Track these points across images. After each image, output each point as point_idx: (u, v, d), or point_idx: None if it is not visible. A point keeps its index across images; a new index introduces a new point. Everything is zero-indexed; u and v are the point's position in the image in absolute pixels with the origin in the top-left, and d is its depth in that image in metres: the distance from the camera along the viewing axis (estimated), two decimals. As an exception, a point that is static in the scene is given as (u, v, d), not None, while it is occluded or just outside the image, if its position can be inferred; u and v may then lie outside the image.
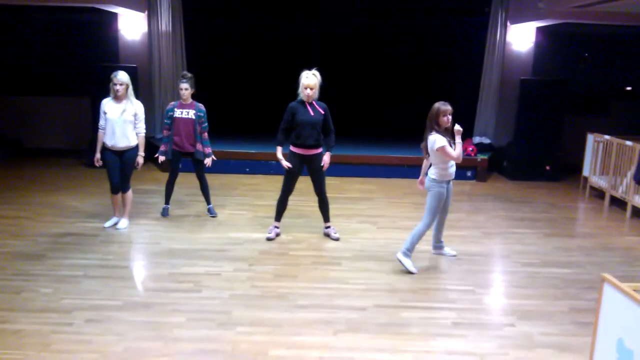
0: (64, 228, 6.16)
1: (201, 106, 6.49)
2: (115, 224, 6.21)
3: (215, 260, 5.33)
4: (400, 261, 5.24)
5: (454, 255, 5.67)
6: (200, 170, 6.61)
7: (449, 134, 5.12)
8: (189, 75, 6.44)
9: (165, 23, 9.85)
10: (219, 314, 4.25)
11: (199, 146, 6.46)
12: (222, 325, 4.07)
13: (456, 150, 5.05)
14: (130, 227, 6.23)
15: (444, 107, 5.10)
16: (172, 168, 6.64)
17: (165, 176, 8.74)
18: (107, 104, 5.86)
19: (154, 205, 7.15)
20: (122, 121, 5.82)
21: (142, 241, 5.89)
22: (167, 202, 6.75)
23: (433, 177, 5.18)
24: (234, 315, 4.24)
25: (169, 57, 9.96)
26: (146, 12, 9.86)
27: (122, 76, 5.77)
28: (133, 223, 6.34)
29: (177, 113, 6.43)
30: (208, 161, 6.53)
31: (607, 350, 3.03)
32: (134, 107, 5.89)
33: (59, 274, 4.92)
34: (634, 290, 2.89)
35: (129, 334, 3.92)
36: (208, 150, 6.51)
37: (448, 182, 5.27)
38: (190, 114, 6.41)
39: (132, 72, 9.20)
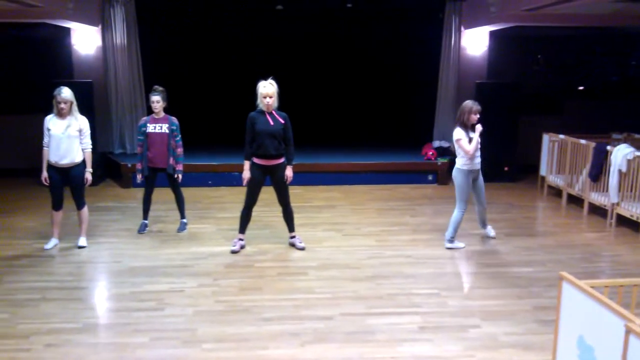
0: (20, 250, 5.96)
1: (174, 119, 6.40)
2: (55, 245, 6.03)
3: (178, 277, 5.24)
4: (450, 249, 6.01)
5: (494, 236, 6.38)
6: (174, 185, 6.52)
7: (472, 130, 5.83)
8: (160, 88, 6.34)
9: (120, 36, 9.69)
10: (183, 331, 4.17)
11: (171, 160, 6.36)
12: (186, 344, 3.99)
13: (471, 144, 5.77)
14: (89, 245, 6.07)
15: (475, 106, 5.80)
16: (148, 184, 6.52)
17: (126, 192, 8.67)
18: (50, 121, 5.71)
19: (114, 222, 6.99)
20: (67, 137, 5.67)
21: (102, 260, 5.74)
22: (145, 218, 6.64)
23: (457, 166, 5.94)
24: (198, 332, 4.17)
25: (125, 71, 9.79)
26: (100, 26, 9.68)
27: (66, 94, 5.64)
28: (92, 242, 6.17)
29: (150, 128, 6.32)
30: (178, 177, 6.44)
31: (568, 347, 3.09)
32: (79, 123, 5.75)
33: (15, 298, 4.75)
34: (592, 287, 2.96)
35: (89, 357, 3.81)
36: (179, 167, 6.42)
37: (473, 172, 5.90)
38: (164, 128, 6.32)
39: (87, 88, 9.10)
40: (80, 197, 5.96)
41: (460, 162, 5.94)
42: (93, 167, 6.00)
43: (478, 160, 5.95)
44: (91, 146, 5.92)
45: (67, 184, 5.87)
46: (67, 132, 5.66)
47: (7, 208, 7.67)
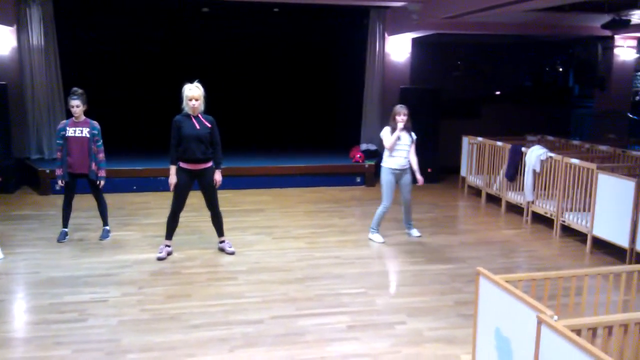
0: None
1: (95, 123, 6.17)
2: None
3: (101, 286, 5.06)
4: (371, 239, 6.47)
5: (419, 236, 6.67)
6: (96, 191, 6.30)
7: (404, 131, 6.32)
8: (80, 91, 6.09)
9: (36, 37, 9.24)
10: (107, 342, 4.04)
11: (93, 166, 6.13)
12: (110, 355, 3.87)
13: (389, 140, 6.28)
14: (5, 256, 5.75)
15: (399, 109, 6.30)
16: (68, 190, 6.25)
17: (44, 200, 8.27)
18: None
19: (32, 231, 6.67)
20: None
21: (19, 271, 5.46)
22: (64, 226, 6.35)
23: (382, 164, 6.47)
24: (123, 342, 4.05)
25: (42, 72, 9.35)
26: (15, 26, 9.20)
27: None
28: (8, 252, 5.85)
29: (70, 132, 6.06)
30: (100, 183, 6.23)
31: (487, 340, 3.25)
32: None
33: None
34: (506, 281, 3.13)
35: (6, 373, 3.62)
36: (102, 173, 6.20)
37: (395, 171, 6.33)
38: (85, 132, 6.08)
39: (1, 90, 8.64)
40: None
41: (383, 160, 6.46)
42: (8, 173, 5.70)
43: (401, 161, 6.35)
44: None
45: None
46: None
47: None
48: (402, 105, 6.42)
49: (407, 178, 6.48)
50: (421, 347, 4.05)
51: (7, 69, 9.27)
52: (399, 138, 6.28)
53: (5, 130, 8.63)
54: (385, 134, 6.37)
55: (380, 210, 6.47)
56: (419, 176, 6.46)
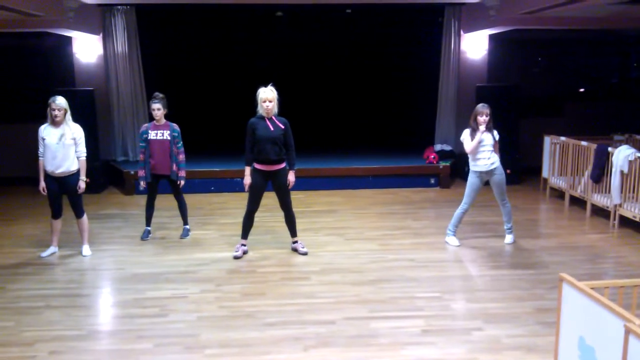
0: (23, 258, 5.99)
1: (175, 126, 6.43)
2: (53, 253, 6.05)
3: (181, 283, 5.25)
4: (447, 242, 6.30)
5: (510, 243, 6.35)
6: (176, 191, 6.55)
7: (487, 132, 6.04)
8: (161, 95, 6.37)
9: (121, 44, 9.74)
10: (187, 337, 4.18)
11: (174, 167, 6.38)
12: (189, 349, 4.01)
13: (470, 144, 6.00)
14: (92, 253, 6.09)
15: (481, 108, 5.99)
16: (150, 191, 6.55)
17: (129, 199, 8.70)
18: (44, 130, 5.74)
19: (117, 229, 7.02)
20: (62, 146, 5.68)
21: (105, 267, 5.76)
22: (147, 225, 6.66)
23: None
24: (201, 338, 4.18)
25: (127, 78, 9.84)
26: (101, 35, 9.74)
27: (60, 101, 5.67)
28: (95, 249, 6.20)
29: (152, 135, 6.35)
30: (180, 183, 6.47)
31: (570, 349, 3.09)
32: (72, 131, 5.75)
33: (20, 305, 4.77)
34: (592, 288, 2.96)
35: (93, 364, 3.82)
36: (182, 173, 6.45)
37: (480, 173, 6.07)
38: (165, 134, 6.35)
39: (89, 96, 9.16)
40: (78, 206, 5.96)
41: (469, 162, 6.20)
42: (96, 174, 6.03)
43: (485, 162, 6.04)
44: (85, 154, 5.89)
45: (64, 192, 5.89)
46: (61, 141, 5.67)
47: (10, 216, 7.72)
48: (484, 105, 6.06)
49: (496, 178, 6.13)
50: (499, 355, 3.91)
51: (95, 76, 9.84)
52: (481, 140, 5.98)
53: (93, 133, 9.12)
54: (466, 137, 6.06)
55: (458, 211, 6.28)
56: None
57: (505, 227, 6.40)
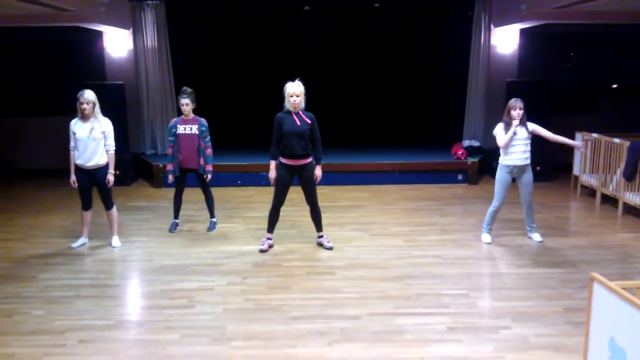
0: (55, 248, 6.12)
1: (203, 120, 6.49)
2: (83, 244, 6.17)
3: (208, 275, 5.31)
4: (481, 239, 6.26)
5: (541, 241, 6.23)
6: (204, 185, 6.62)
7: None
8: (189, 90, 6.43)
9: (150, 39, 9.86)
10: (213, 329, 4.23)
11: (201, 161, 6.45)
12: (216, 341, 4.05)
13: (503, 138, 5.93)
14: (121, 244, 6.20)
15: (514, 103, 5.94)
16: (178, 184, 6.63)
17: (157, 192, 8.82)
18: (75, 125, 5.84)
19: (146, 221, 7.12)
20: (92, 139, 5.78)
21: (134, 258, 5.86)
22: (175, 217, 6.76)
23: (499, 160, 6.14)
24: (228, 329, 4.22)
25: (156, 72, 9.96)
26: (131, 29, 9.87)
27: (88, 95, 5.75)
28: (124, 240, 6.30)
29: (180, 129, 6.42)
30: (207, 177, 6.53)
31: (600, 350, 3.03)
32: (101, 125, 5.84)
33: (51, 295, 4.88)
34: (623, 288, 2.90)
35: (121, 352, 3.89)
36: (209, 167, 6.51)
37: (511, 168, 6.00)
38: (194, 129, 6.41)
39: (119, 90, 9.29)
40: (107, 198, 6.07)
41: (500, 157, 6.13)
42: (125, 167, 6.11)
43: (519, 156, 5.97)
44: (114, 148, 5.98)
45: (94, 185, 6.00)
46: (91, 134, 5.77)
47: (43, 207, 7.90)
48: (517, 99, 5.97)
49: (526, 177, 6.06)
50: (527, 354, 3.85)
51: (125, 70, 9.97)
52: (514, 133, 5.92)
53: (123, 127, 9.25)
54: (499, 131, 5.99)
55: (490, 209, 6.22)
56: (576, 142, 6.65)
57: (528, 227, 6.34)
